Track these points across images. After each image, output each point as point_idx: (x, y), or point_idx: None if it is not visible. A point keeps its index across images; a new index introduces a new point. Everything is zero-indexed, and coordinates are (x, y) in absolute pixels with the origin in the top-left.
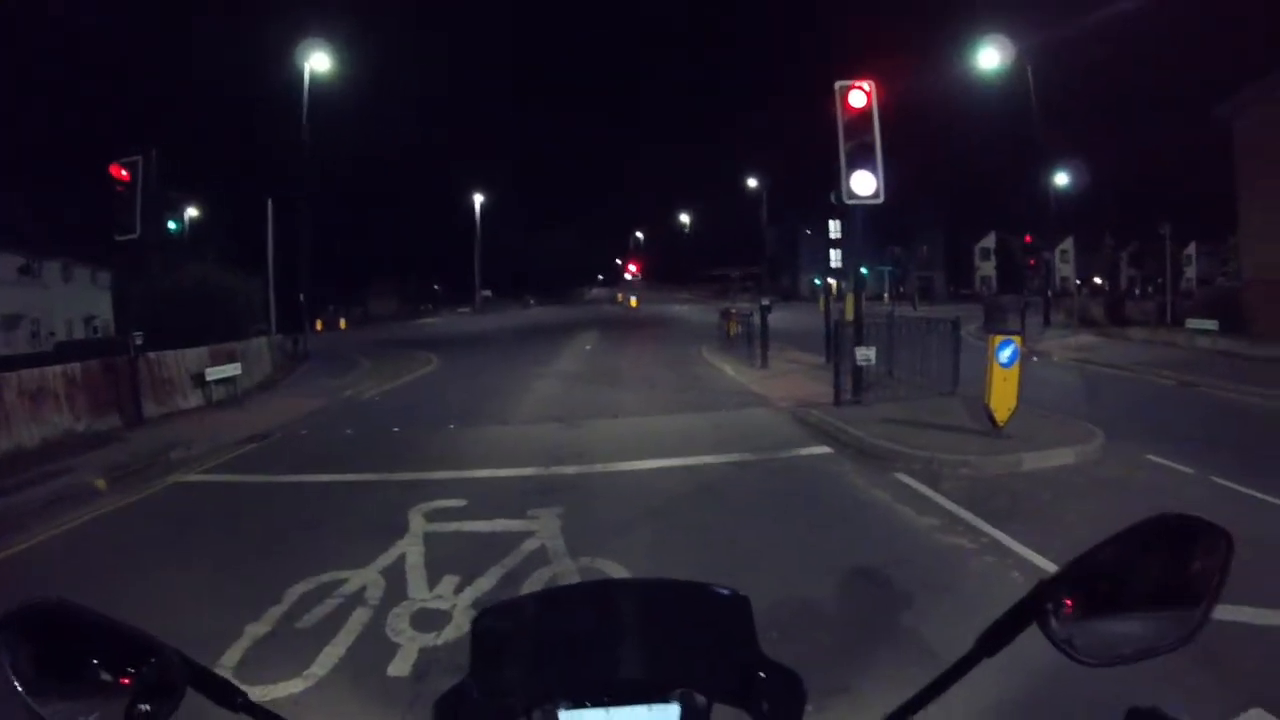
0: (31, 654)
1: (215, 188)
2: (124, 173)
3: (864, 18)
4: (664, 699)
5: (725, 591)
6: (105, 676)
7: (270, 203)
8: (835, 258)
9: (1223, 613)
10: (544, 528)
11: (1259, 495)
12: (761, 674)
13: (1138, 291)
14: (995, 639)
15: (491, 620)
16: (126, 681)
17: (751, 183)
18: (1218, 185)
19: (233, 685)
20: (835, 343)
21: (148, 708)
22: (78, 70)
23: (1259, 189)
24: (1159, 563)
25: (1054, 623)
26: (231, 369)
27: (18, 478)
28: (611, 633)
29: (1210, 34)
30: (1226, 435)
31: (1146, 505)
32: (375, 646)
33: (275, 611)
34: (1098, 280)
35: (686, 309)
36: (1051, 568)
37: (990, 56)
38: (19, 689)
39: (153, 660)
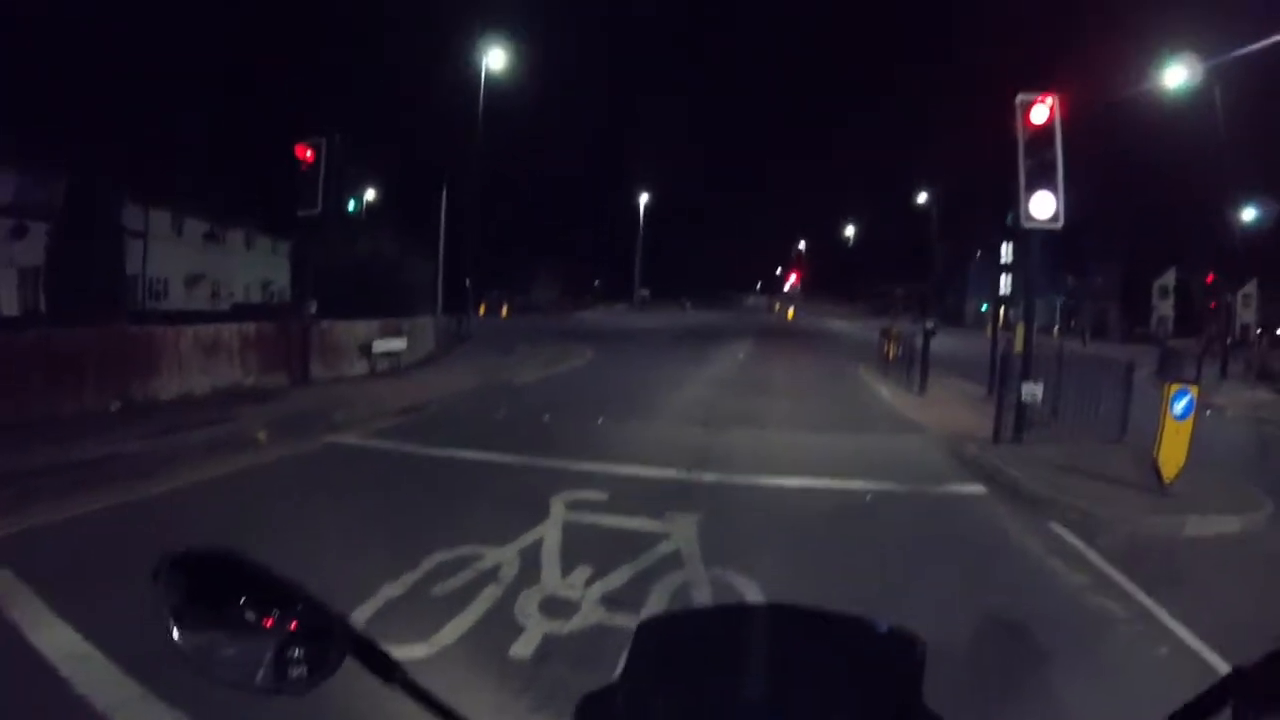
0: (190, 595)
1: (394, 172)
2: (309, 153)
3: (1048, 32)
4: None
5: (898, 631)
6: (259, 623)
7: (445, 189)
8: (1005, 283)
9: None
10: (680, 532)
11: None
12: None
13: None
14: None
15: (656, 630)
16: (284, 628)
17: (922, 198)
18: None
19: (393, 660)
20: (1000, 375)
21: (300, 653)
22: (262, 48)
23: None
24: None
25: (1247, 712)
26: (397, 343)
27: (184, 419)
28: (775, 659)
29: None
30: None
31: None
32: (502, 625)
33: (411, 577)
34: None
35: (845, 324)
36: (1197, 644)
37: (1176, 74)
38: (172, 625)
39: (312, 615)
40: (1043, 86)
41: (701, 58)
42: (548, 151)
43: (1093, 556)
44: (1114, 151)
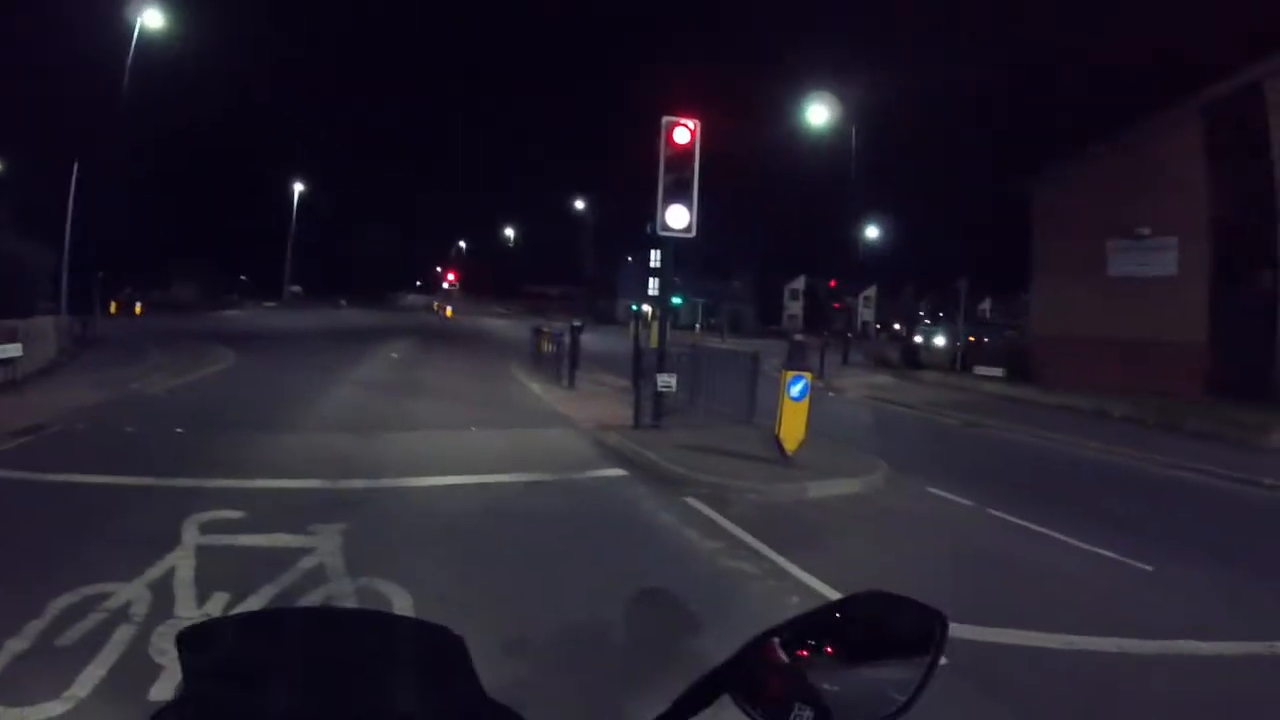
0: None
1: (16, 145)
2: None
3: (708, 63)
4: None
5: (442, 630)
6: None
7: (75, 164)
8: (653, 285)
9: (997, 635)
10: (325, 544)
11: (1032, 526)
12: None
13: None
14: (687, 706)
15: (202, 636)
16: None
17: (579, 205)
18: (1015, 249)
19: None
20: (639, 368)
21: None
22: None
23: (1048, 256)
24: (877, 635)
25: (770, 680)
26: (12, 349)
27: None
28: (328, 666)
29: (1028, 105)
30: (1005, 472)
31: (923, 533)
32: (138, 667)
33: (35, 626)
34: (897, 326)
35: (503, 323)
36: (826, 590)
37: (818, 112)
38: None
39: None
40: (693, 111)
41: (370, 51)
42: (194, 134)
43: (725, 524)
44: (755, 173)
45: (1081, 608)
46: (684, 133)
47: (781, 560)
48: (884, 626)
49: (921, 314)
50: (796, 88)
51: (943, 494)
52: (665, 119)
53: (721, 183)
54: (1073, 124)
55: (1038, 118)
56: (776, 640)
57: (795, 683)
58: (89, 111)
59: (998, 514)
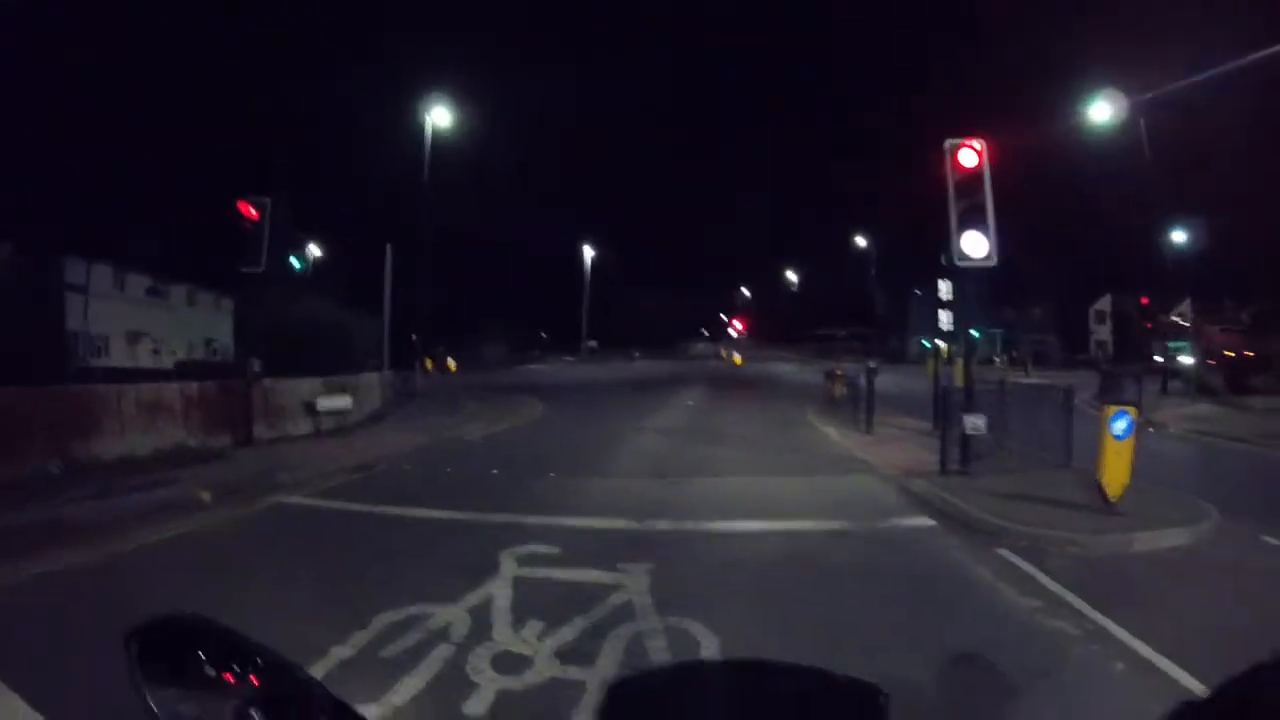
0: (158, 665)
1: (341, 230)
2: (253, 211)
3: (974, 73)
4: None
5: (859, 683)
6: (220, 680)
7: (389, 247)
8: (945, 320)
9: None
10: (633, 582)
11: None
12: None
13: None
14: None
15: (626, 691)
16: (244, 685)
17: (860, 242)
18: None
19: (361, 717)
20: (942, 409)
21: (262, 713)
22: (209, 107)
23: None
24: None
25: None
26: (342, 401)
27: (127, 481)
28: (741, 716)
29: None
30: None
31: (1257, 591)
32: (454, 683)
33: (361, 637)
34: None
35: (791, 368)
36: (1154, 657)
37: (1102, 110)
38: (143, 689)
39: (275, 673)
40: (971, 130)
41: (639, 109)
42: (495, 205)
43: (1044, 579)
44: (1043, 187)
45: None
46: (970, 155)
47: (1105, 621)
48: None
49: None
50: (1079, 90)
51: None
52: (948, 141)
53: (1010, 203)
54: None
55: None
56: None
57: None
58: (402, 196)
59: None
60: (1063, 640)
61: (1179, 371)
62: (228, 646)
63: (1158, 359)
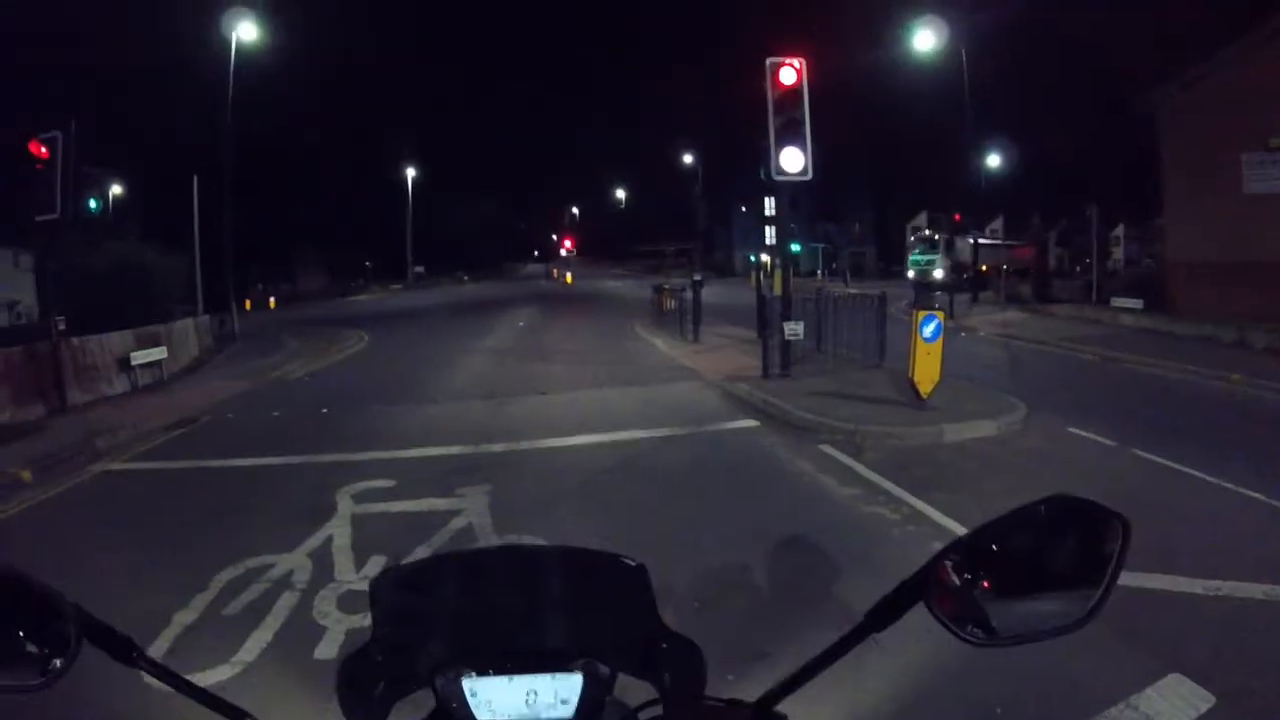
0: None
1: (138, 163)
2: (43, 149)
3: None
4: (567, 669)
5: (625, 561)
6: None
7: (195, 178)
8: (770, 234)
9: (1139, 580)
10: (472, 506)
11: (1176, 466)
12: (663, 645)
13: (1064, 269)
14: (884, 614)
15: (390, 582)
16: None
17: (686, 159)
18: (1146, 171)
19: (128, 639)
20: (763, 317)
21: (38, 650)
22: None
23: (1181, 174)
24: (1054, 544)
25: (942, 601)
26: (157, 353)
27: None
28: (514, 600)
29: (1141, 17)
30: (1147, 409)
31: (1065, 475)
32: (303, 630)
33: (203, 598)
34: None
35: (621, 284)
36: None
37: (925, 38)
38: None
39: (40, 600)
40: (798, 48)
41: (454, 26)
42: (305, 128)
43: (862, 469)
44: (865, 110)
45: (1229, 552)
46: (790, 73)
47: (920, 504)
48: (1062, 534)
49: (924, 234)
50: (901, 13)
51: (1083, 434)
52: (770, 60)
53: (831, 122)
54: (1202, 23)
55: (1161, 17)
56: (949, 562)
57: (965, 603)
58: (199, 126)
59: (1143, 454)
60: (882, 524)
61: (930, 284)
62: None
63: (909, 274)
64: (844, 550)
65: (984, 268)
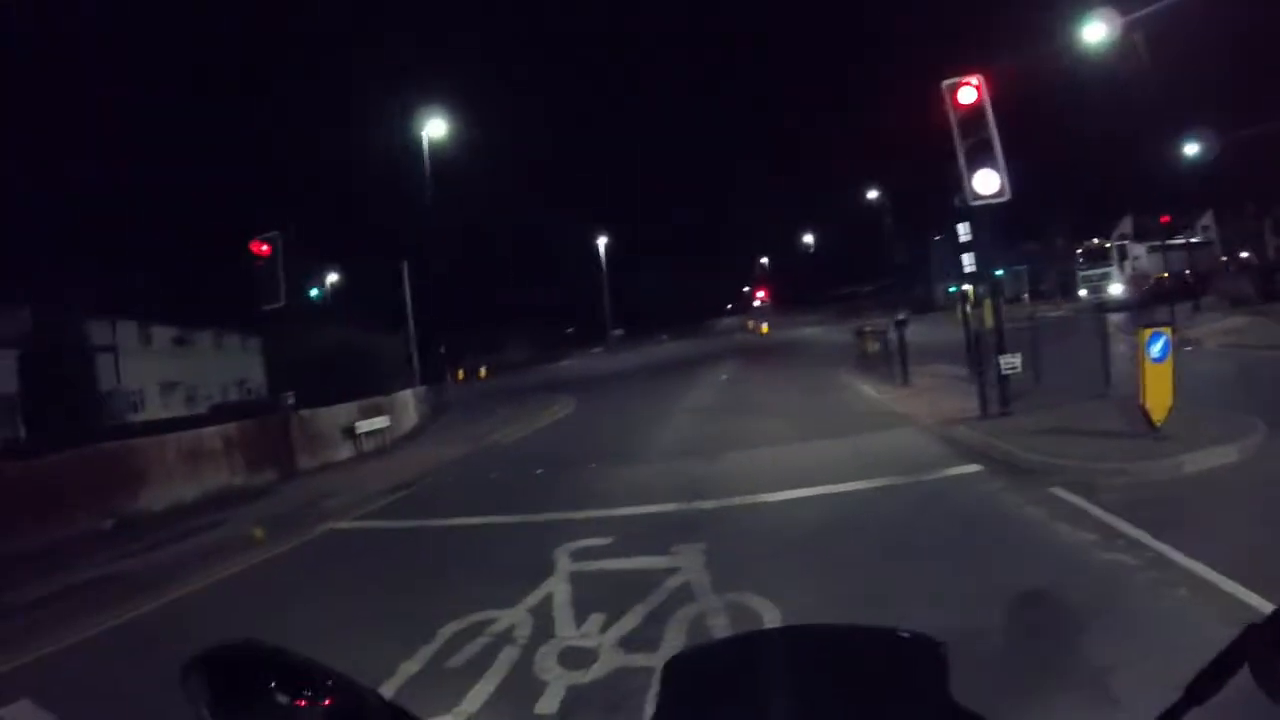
0: (224, 693)
1: (355, 256)
2: (264, 248)
3: (965, 15)
4: None
5: (917, 637)
6: (292, 706)
7: (405, 265)
8: (967, 262)
9: None
10: (688, 563)
11: None
12: None
13: None
14: (1204, 687)
15: (684, 665)
16: (317, 707)
17: (871, 194)
18: None
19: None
20: (975, 353)
21: None
22: (214, 156)
23: None
24: None
25: (1268, 667)
26: (379, 421)
27: (179, 528)
28: (802, 681)
29: None
30: None
31: None
32: (523, 684)
33: (427, 650)
34: (1244, 254)
35: (819, 330)
36: (1215, 578)
37: (1096, 30)
38: None
39: (345, 693)
40: (968, 63)
41: (629, 95)
42: (504, 208)
43: (1097, 512)
44: (1048, 116)
45: None
46: (969, 92)
47: (1162, 547)
48: None
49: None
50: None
51: None
52: (946, 83)
53: (1017, 136)
54: None
55: None
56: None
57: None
58: (412, 215)
59: None
60: (1122, 571)
61: (1104, 303)
62: (289, 668)
63: (1081, 292)
64: (1082, 603)
65: (1162, 276)
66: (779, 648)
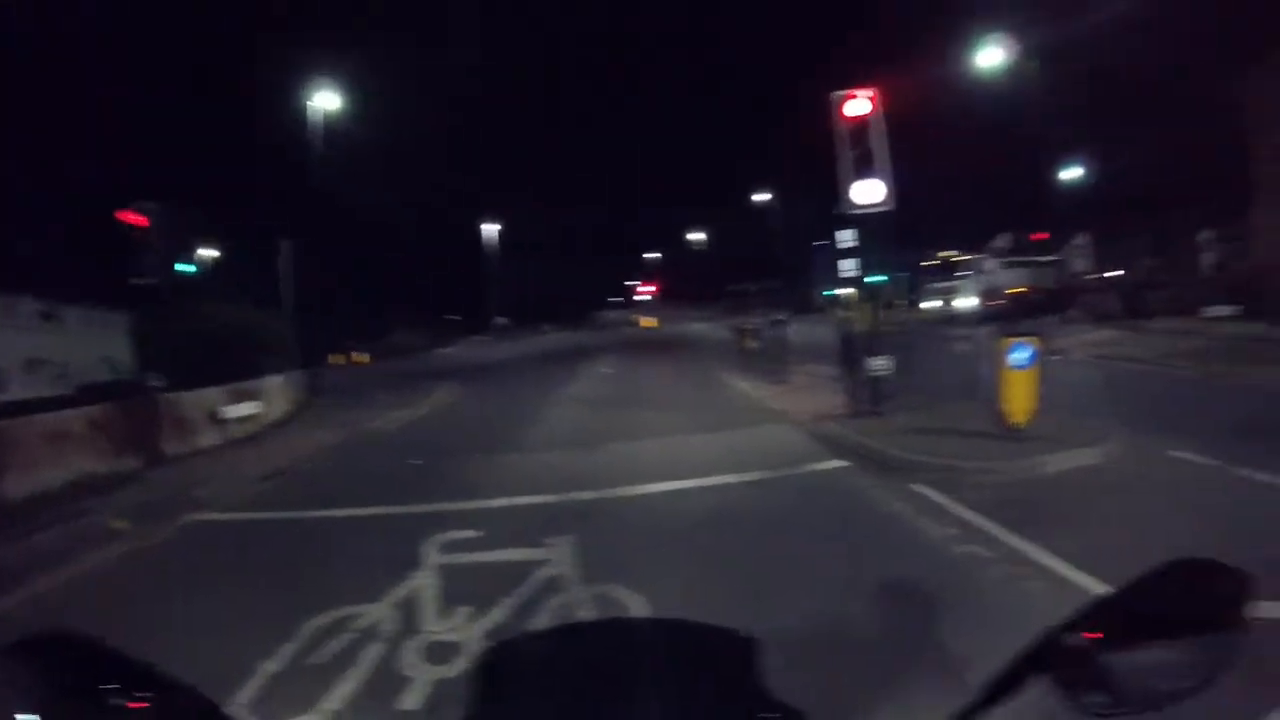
0: (43, 682)
1: (234, 229)
2: (139, 218)
3: (869, 31)
4: None
5: (734, 633)
6: (116, 704)
7: (285, 242)
8: (845, 267)
9: (1259, 611)
10: (558, 555)
11: None
12: (766, 715)
13: (1154, 280)
14: (1001, 689)
15: (500, 656)
16: (137, 708)
17: (761, 196)
18: (1228, 169)
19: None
20: (848, 354)
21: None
22: (87, 116)
23: (1270, 166)
24: (1177, 607)
25: (1063, 673)
26: (250, 407)
27: (37, 519)
28: (619, 673)
29: (1211, 17)
30: (1251, 423)
31: (1167, 502)
32: (388, 680)
33: (289, 648)
34: (1117, 272)
35: (704, 327)
36: (1068, 571)
37: (991, 55)
38: (21, 710)
39: (165, 692)
40: (865, 75)
41: (513, 83)
42: (388, 191)
43: (958, 509)
44: (946, 132)
45: None
46: (858, 105)
47: (1019, 542)
48: (1184, 596)
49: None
50: (967, 35)
51: (1185, 456)
52: (834, 94)
53: (906, 148)
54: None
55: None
56: (1069, 631)
57: (1087, 672)
58: (298, 189)
59: (1247, 473)
60: (979, 563)
61: (955, 315)
62: (117, 667)
63: (935, 302)
64: (940, 595)
65: (1021, 290)
66: (596, 641)
